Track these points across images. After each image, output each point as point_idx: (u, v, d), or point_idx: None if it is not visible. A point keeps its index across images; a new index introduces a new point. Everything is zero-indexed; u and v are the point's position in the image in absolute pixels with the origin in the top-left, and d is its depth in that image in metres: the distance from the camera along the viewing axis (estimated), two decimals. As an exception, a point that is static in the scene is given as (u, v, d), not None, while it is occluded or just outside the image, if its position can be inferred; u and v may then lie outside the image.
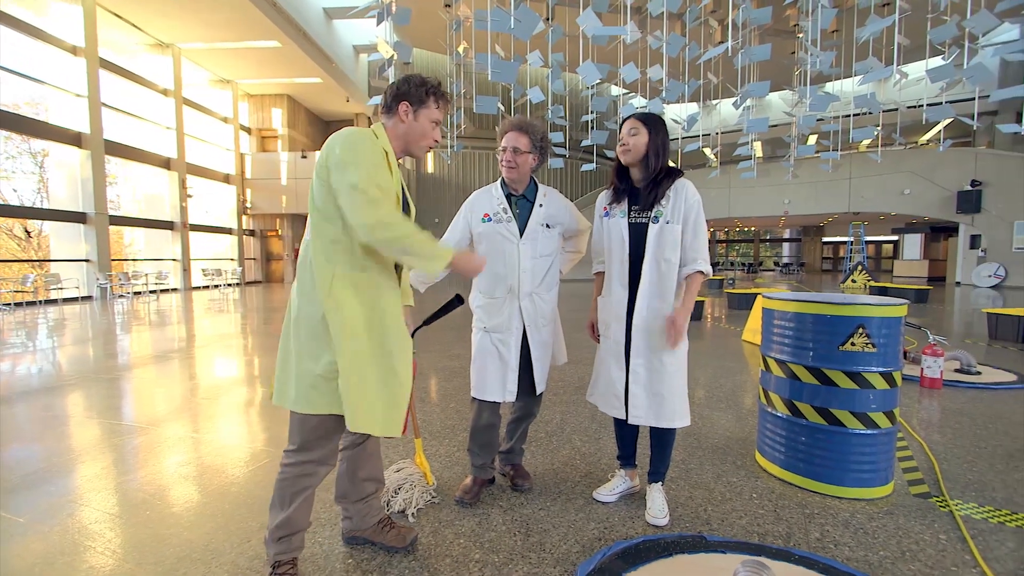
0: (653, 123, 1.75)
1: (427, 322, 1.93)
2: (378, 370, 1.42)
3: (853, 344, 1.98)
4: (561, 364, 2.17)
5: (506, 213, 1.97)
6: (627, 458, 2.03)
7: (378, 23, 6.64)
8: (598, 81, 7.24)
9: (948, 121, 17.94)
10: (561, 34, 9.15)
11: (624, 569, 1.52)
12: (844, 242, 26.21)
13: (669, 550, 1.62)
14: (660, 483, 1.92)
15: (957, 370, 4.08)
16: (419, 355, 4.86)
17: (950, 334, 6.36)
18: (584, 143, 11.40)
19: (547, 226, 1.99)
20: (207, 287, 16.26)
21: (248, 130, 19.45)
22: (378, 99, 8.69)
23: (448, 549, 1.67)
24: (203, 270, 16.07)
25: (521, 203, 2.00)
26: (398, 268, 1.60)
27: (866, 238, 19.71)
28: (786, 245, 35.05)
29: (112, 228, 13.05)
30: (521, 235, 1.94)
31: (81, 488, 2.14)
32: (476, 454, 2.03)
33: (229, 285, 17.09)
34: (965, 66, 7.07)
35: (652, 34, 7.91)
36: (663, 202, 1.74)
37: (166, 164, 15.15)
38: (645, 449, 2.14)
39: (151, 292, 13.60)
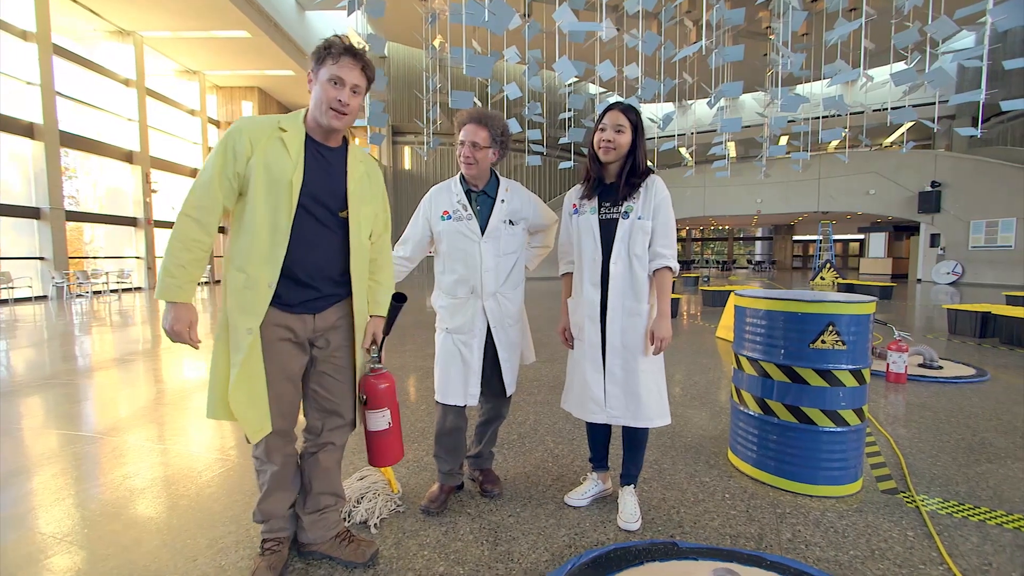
0: (637, 118, 1.69)
1: (385, 332, 1.79)
2: (228, 367, 1.38)
3: (823, 342, 1.97)
4: (530, 363, 2.10)
5: (466, 210, 1.87)
6: (599, 460, 1.98)
7: (348, 13, 6.45)
8: (575, 79, 7.20)
9: (911, 124, 18.65)
10: (538, 30, 9.09)
11: (594, 578, 1.46)
12: (813, 240, 27.05)
13: (640, 558, 1.57)
14: (633, 486, 1.87)
15: (920, 365, 4.20)
16: (389, 364, 4.73)
17: (913, 329, 6.57)
18: (562, 141, 11.38)
19: (510, 222, 1.91)
20: (173, 286, 15.63)
21: (217, 123, 18.79)
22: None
23: (411, 562, 1.58)
24: (169, 268, 15.43)
25: (482, 199, 1.91)
26: (345, 279, 1.51)
27: (834, 237, 20.35)
28: (758, 243, 35.93)
29: (70, 224, 12.41)
30: (483, 233, 1.85)
31: (18, 503, 1.97)
32: (443, 459, 1.95)
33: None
34: (927, 71, 7.32)
35: (628, 32, 7.92)
36: (634, 197, 1.68)
37: (128, 157, 14.49)
38: (617, 450, 2.10)
39: (112, 291, 12.99)
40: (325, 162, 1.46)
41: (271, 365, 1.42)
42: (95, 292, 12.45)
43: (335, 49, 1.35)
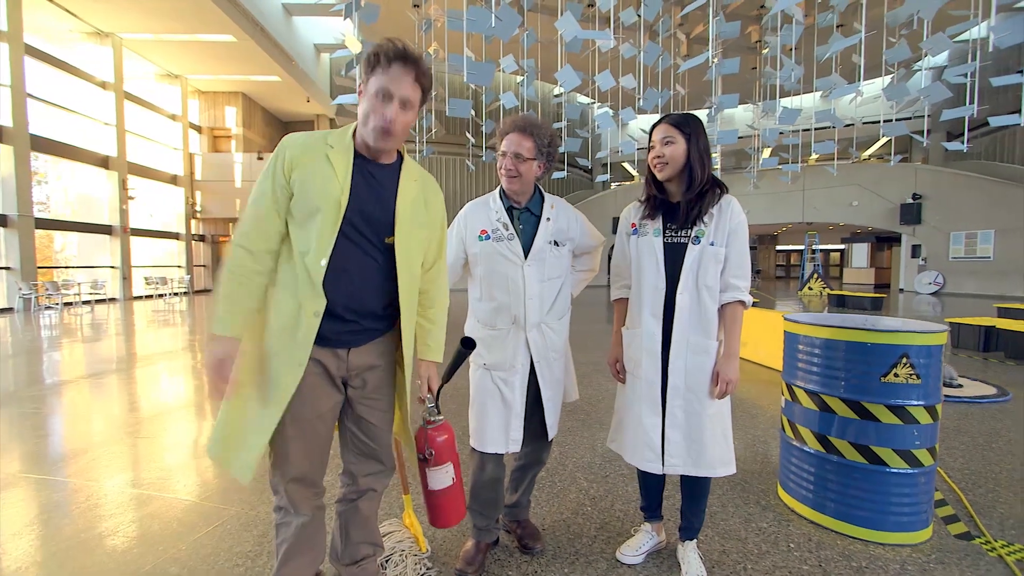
0: (691, 127, 1.50)
1: (445, 380, 1.57)
2: (246, 404, 1.22)
3: (896, 375, 1.80)
4: (571, 401, 1.89)
5: (507, 229, 1.66)
6: (653, 510, 1.77)
7: (345, 16, 6.23)
8: (575, 86, 7.09)
9: (886, 140, 19.13)
10: (534, 40, 9.00)
11: (677, 667, 1.24)
12: (796, 250, 27.52)
13: (721, 633, 1.36)
14: (695, 540, 1.67)
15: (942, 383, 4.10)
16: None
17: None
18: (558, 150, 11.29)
19: (556, 243, 1.70)
20: (150, 296, 15.00)
21: (198, 129, 18.27)
22: (343, 98, 8.23)
23: (455, 647, 1.34)
24: (146, 278, 14.83)
25: (525, 217, 1.70)
26: (389, 313, 1.31)
27: (818, 247, 20.70)
28: (743, 253, 36.43)
29: (39, 232, 11.79)
30: (526, 255, 1.64)
31: (-33, 576, 1.66)
32: (479, 514, 1.71)
33: (175, 294, 15.86)
34: (923, 86, 7.42)
35: (628, 41, 7.87)
36: (705, 219, 1.49)
37: (104, 163, 13.92)
38: (670, 496, 1.89)
39: (84, 303, 12.36)
40: (375, 182, 1.25)
41: (300, 402, 1.21)
42: (66, 304, 11.82)
43: (385, 56, 1.14)
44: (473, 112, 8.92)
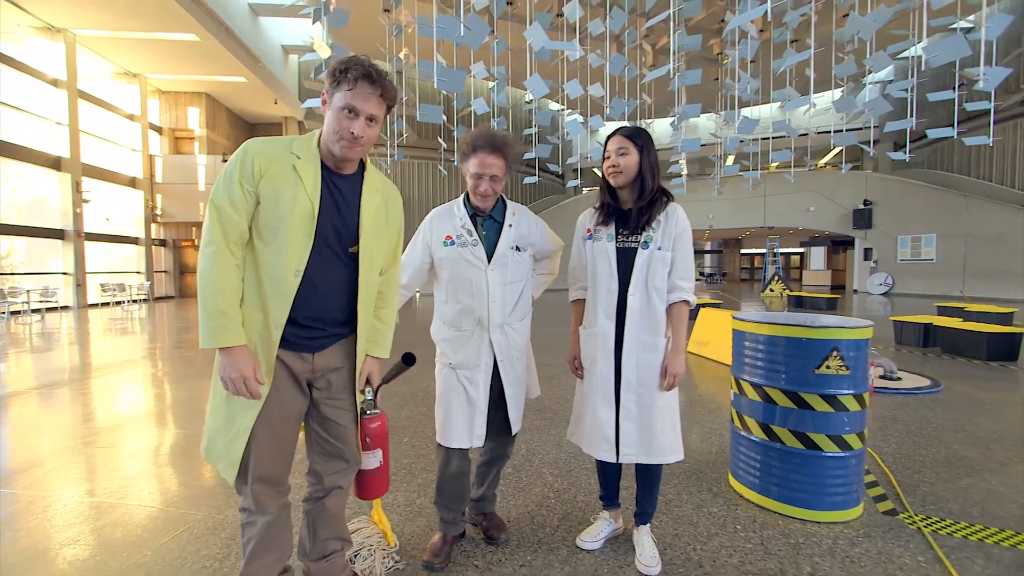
0: (643, 139, 1.63)
1: (384, 381, 1.65)
2: (225, 403, 1.27)
3: (828, 367, 1.98)
4: (533, 398, 1.98)
5: (471, 235, 1.74)
6: (611, 498, 1.88)
7: (314, 21, 6.20)
8: (544, 94, 7.25)
9: (839, 149, 20.19)
10: (504, 47, 9.14)
11: (627, 638, 1.35)
12: (759, 254, 28.63)
13: (669, 606, 1.48)
14: (648, 525, 1.78)
15: (881, 376, 4.41)
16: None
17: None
18: (527, 156, 11.45)
19: (518, 248, 1.80)
20: (107, 304, 14.34)
21: (159, 130, 17.62)
22: (311, 102, 8.15)
23: (421, 632, 1.41)
24: (102, 285, 14.18)
25: (488, 224, 1.79)
26: (351, 318, 1.38)
27: (779, 250, 21.59)
28: (709, 256, 37.61)
29: (-18, 237, 11.14)
30: (489, 260, 1.73)
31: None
32: (445, 508, 1.78)
33: (134, 301, 15.21)
34: (866, 99, 7.93)
35: (595, 52, 8.10)
36: (653, 225, 1.62)
37: (56, 164, 13.26)
38: (627, 484, 2.01)
39: (34, 311, 11.73)
40: (339, 193, 1.31)
41: (269, 405, 1.26)
42: (13, 312, 11.18)
43: (352, 73, 1.20)
44: (445, 117, 8.98)
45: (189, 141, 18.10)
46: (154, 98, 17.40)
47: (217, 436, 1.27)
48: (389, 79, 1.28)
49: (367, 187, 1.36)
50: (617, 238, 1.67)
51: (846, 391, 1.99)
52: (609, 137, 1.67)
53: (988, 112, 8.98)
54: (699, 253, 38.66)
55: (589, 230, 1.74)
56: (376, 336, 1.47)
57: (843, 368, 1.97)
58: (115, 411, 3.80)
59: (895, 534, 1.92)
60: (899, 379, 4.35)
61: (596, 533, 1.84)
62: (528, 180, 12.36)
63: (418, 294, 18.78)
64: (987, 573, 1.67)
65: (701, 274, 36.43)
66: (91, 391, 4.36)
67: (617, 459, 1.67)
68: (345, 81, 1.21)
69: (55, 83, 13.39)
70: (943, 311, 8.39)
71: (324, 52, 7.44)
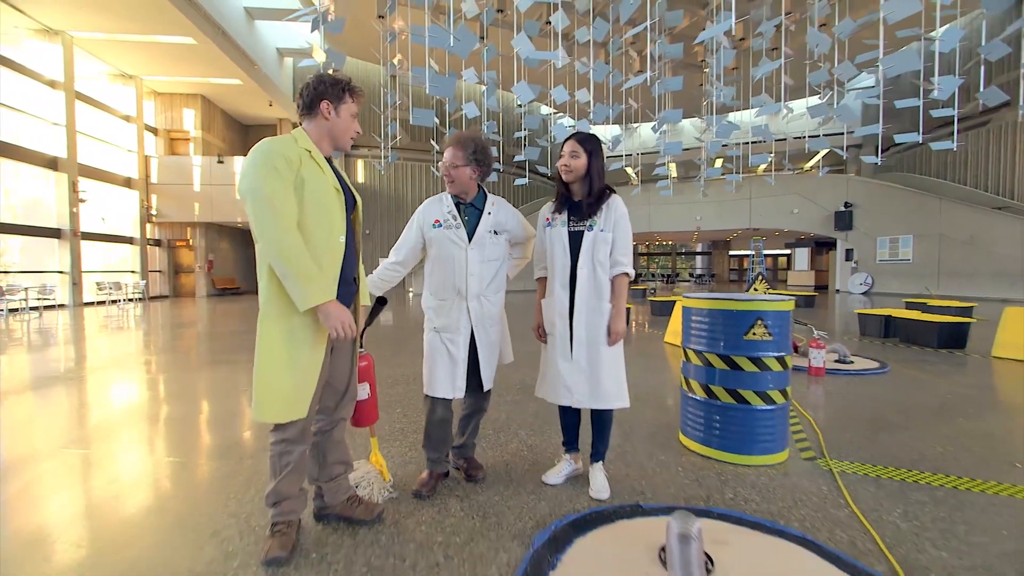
0: (591, 145, 2.00)
1: (367, 325, 2.02)
2: (287, 362, 1.54)
3: (754, 334, 2.35)
4: (507, 363, 2.33)
5: (455, 219, 2.10)
6: (571, 442, 2.24)
7: (312, 29, 6.53)
8: (531, 100, 7.62)
9: (826, 151, 20.79)
10: (495, 53, 9.52)
11: (575, 536, 1.71)
12: (747, 255, 29.24)
13: (612, 518, 1.84)
14: (601, 463, 2.14)
15: (836, 360, 4.82)
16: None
17: (832, 331, 7.41)
18: (517, 158, 11.83)
19: (495, 233, 2.16)
20: (103, 303, 14.50)
21: (154, 131, 17.80)
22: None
23: (411, 535, 1.76)
24: (97, 284, 14.34)
25: (470, 211, 2.15)
26: (355, 279, 1.72)
27: (764, 252, 22.13)
28: (699, 258, 38.21)
29: (-20, 235, 11.31)
30: (470, 240, 2.09)
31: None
32: (431, 449, 2.13)
33: (130, 300, 15.37)
34: (835, 106, 8.40)
35: (579, 60, 8.50)
36: (598, 214, 1.99)
37: (53, 164, 13.43)
38: (587, 435, 2.36)
39: (32, 309, 11.89)
40: (337, 172, 1.69)
41: (329, 357, 1.64)
42: (11, 309, 11.35)
43: (353, 88, 1.64)
44: (437, 120, 9.33)
45: (184, 142, 18.28)
46: (150, 99, 17.59)
47: (278, 390, 1.53)
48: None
49: (340, 169, 1.75)
50: (569, 224, 2.03)
51: (770, 354, 2.37)
52: (565, 140, 2.04)
53: (954, 119, 9.50)
54: (689, 255, 39.29)
55: (548, 219, 2.11)
56: (362, 289, 1.86)
57: (767, 335, 2.35)
58: (119, 405, 4.10)
59: (809, 473, 2.29)
60: (851, 362, 4.76)
61: (559, 472, 2.20)
62: (519, 182, 12.74)
63: (411, 292, 19.07)
64: (874, 496, 2.04)
65: (691, 275, 36.99)
66: (100, 384, 4.65)
67: (573, 404, 2.02)
68: (350, 94, 1.61)
69: (52, 84, 13.57)
70: (910, 305, 8.85)
71: (320, 57, 7.77)
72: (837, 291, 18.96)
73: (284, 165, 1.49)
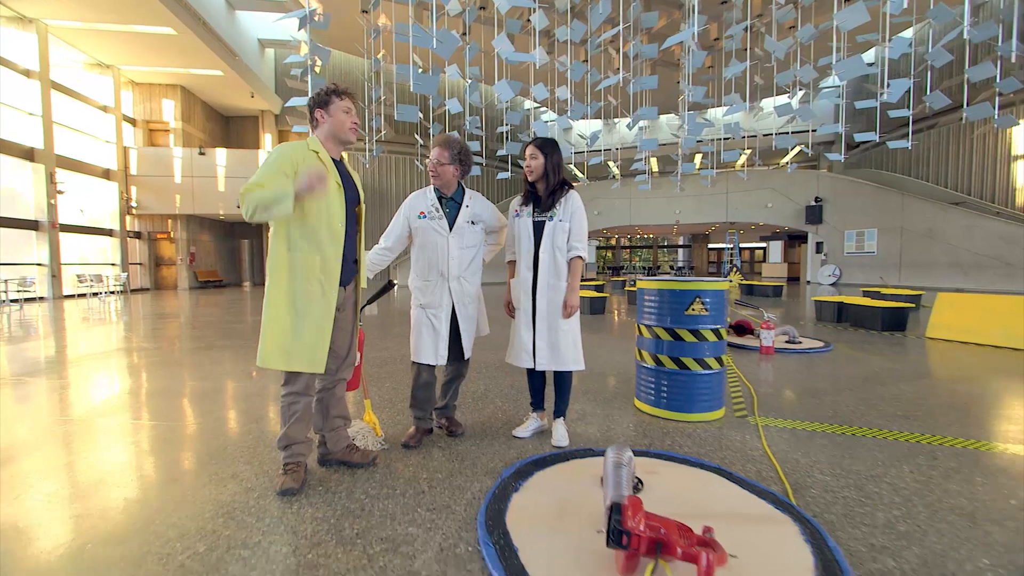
0: (548, 148, 2.37)
1: (370, 301, 2.37)
2: (292, 320, 1.90)
3: (694, 310, 2.76)
4: (484, 335, 2.69)
5: (438, 211, 2.45)
6: (537, 403, 2.61)
7: (299, 28, 6.72)
8: (512, 97, 7.93)
9: (797, 150, 21.52)
10: (477, 50, 9.78)
11: (536, 470, 2.09)
12: (724, 248, 30.09)
13: (567, 458, 2.22)
14: (562, 418, 2.52)
15: (787, 341, 5.30)
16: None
17: (793, 318, 7.96)
18: (500, 153, 12.13)
19: (472, 223, 2.51)
20: (83, 295, 14.41)
21: (133, 121, 17.58)
22: (295, 100, 8.65)
23: (401, 474, 2.12)
24: (78, 276, 14.23)
25: (450, 204, 2.50)
26: (356, 261, 2.06)
27: (740, 245, 22.87)
28: (680, 251, 39.06)
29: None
30: (450, 229, 2.44)
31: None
32: (417, 408, 2.49)
33: (112, 293, 15.28)
34: (798, 106, 8.93)
35: (558, 60, 8.82)
36: (557, 206, 2.36)
37: (29, 155, 13.26)
38: (552, 397, 2.74)
39: (12, 301, 11.82)
40: (340, 173, 2.02)
41: (335, 324, 2.00)
42: (-10, 302, 11.27)
43: (340, 91, 1.99)
44: (421, 115, 9.58)
45: (164, 133, 18.09)
46: (128, 90, 17.35)
47: (287, 344, 1.88)
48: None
49: (349, 169, 2.10)
50: (533, 214, 2.40)
51: (707, 326, 2.78)
52: (526, 144, 2.40)
53: (909, 120, 10.12)
54: (670, 247, 40.11)
55: (516, 211, 2.47)
56: (363, 272, 2.21)
57: (704, 310, 2.76)
58: (144, 382, 4.35)
59: (738, 426, 2.72)
60: (800, 343, 5.25)
61: (527, 427, 2.57)
62: (501, 176, 13.05)
63: (396, 286, 19.29)
64: (787, 441, 2.47)
65: (671, 267, 37.82)
66: (126, 363, 4.88)
67: (535, 367, 2.40)
68: (336, 96, 1.98)
69: (27, 73, 13.36)
70: (867, 294, 9.49)
71: (305, 50, 7.94)
72: (808, 282, 19.78)
73: (289, 159, 1.86)
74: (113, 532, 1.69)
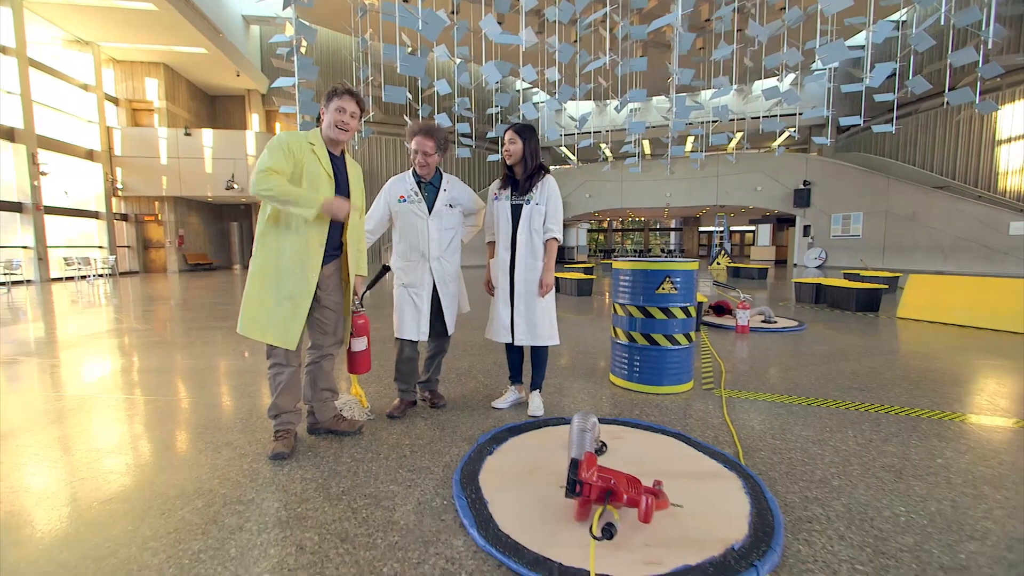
0: (526, 134, 2.47)
1: (369, 287, 2.48)
2: (272, 295, 2.04)
3: (663, 288, 2.91)
4: (464, 312, 2.82)
5: (417, 195, 2.55)
6: (516, 376, 2.77)
7: (284, 6, 6.64)
8: (500, 79, 7.93)
9: (786, 134, 21.57)
10: (466, 29, 9.69)
11: (510, 436, 2.25)
12: (715, 231, 30.35)
13: (541, 426, 2.39)
14: (538, 390, 2.69)
15: (763, 321, 5.51)
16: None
17: (774, 299, 8.18)
18: (489, 135, 12.11)
19: (450, 206, 2.62)
20: (71, 278, 14.32)
21: (115, 100, 17.20)
22: (282, 81, 8.57)
23: (385, 441, 2.27)
24: (65, 259, 14.12)
25: (428, 188, 2.60)
26: (341, 246, 2.18)
27: (731, 228, 23.08)
28: (672, 234, 39.28)
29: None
30: (429, 212, 2.55)
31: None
32: (401, 381, 2.63)
33: (100, 276, 15.19)
34: (786, 90, 9.00)
35: (546, 41, 8.79)
36: (534, 190, 2.47)
37: (9, 135, 12.99)
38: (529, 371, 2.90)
39: (1, 284, 11.74)
40: (336, 166, 2.13)
41: (318, 304, 2.12)
42: (-23, 285, 11.20)
43: (339, 91, 2.07)
44: (410, 96, 9.52)
45: (148, 113, 17.74)
46: (109, 68, 16.93)
47: (264, 317, 2.02)
48: (360, 94, 2.11)
49: (348, 164, 2.20)
50: (511, 197, 2.52)
51: (676, 304, 2.93)
52: (506, 129, 2.50)
53: (894, 104, 10.23)
54: (662, 231, 40.31)
55: (495, 194, 2.59)
56: (359, 262, 2.31)
57: (673, 289, 2.91)
58: (140, 363, 4.45)
59: (703, 398, 2.90)
60: (775, 322, 5.46)
61: (505, 399, 2.74)
62: (491, 158, 13.04)
63: (391, 271, 19.26)
64: (746, 411, 2.66)
65: (662, 250, 38.07)
66: (127, 345, 4.97)
67: (513, 342, 2.55)
68: (336, 96, 2.05)
69: (3, 50, 12.99)
70: (847, 276, 9.74)
71: (290, 31, 7.84)
72: (795, 265, 20.09)
73: (287, 149, 1.98)
74: (117, 492, 1.84)
